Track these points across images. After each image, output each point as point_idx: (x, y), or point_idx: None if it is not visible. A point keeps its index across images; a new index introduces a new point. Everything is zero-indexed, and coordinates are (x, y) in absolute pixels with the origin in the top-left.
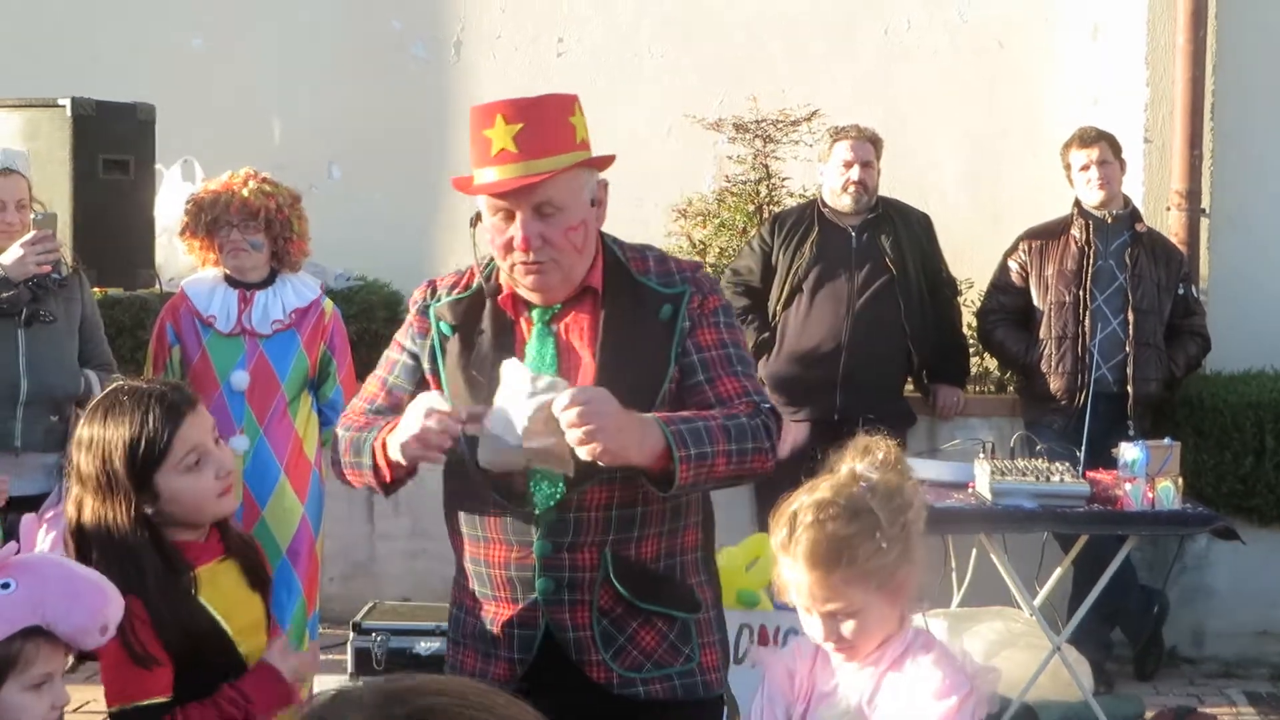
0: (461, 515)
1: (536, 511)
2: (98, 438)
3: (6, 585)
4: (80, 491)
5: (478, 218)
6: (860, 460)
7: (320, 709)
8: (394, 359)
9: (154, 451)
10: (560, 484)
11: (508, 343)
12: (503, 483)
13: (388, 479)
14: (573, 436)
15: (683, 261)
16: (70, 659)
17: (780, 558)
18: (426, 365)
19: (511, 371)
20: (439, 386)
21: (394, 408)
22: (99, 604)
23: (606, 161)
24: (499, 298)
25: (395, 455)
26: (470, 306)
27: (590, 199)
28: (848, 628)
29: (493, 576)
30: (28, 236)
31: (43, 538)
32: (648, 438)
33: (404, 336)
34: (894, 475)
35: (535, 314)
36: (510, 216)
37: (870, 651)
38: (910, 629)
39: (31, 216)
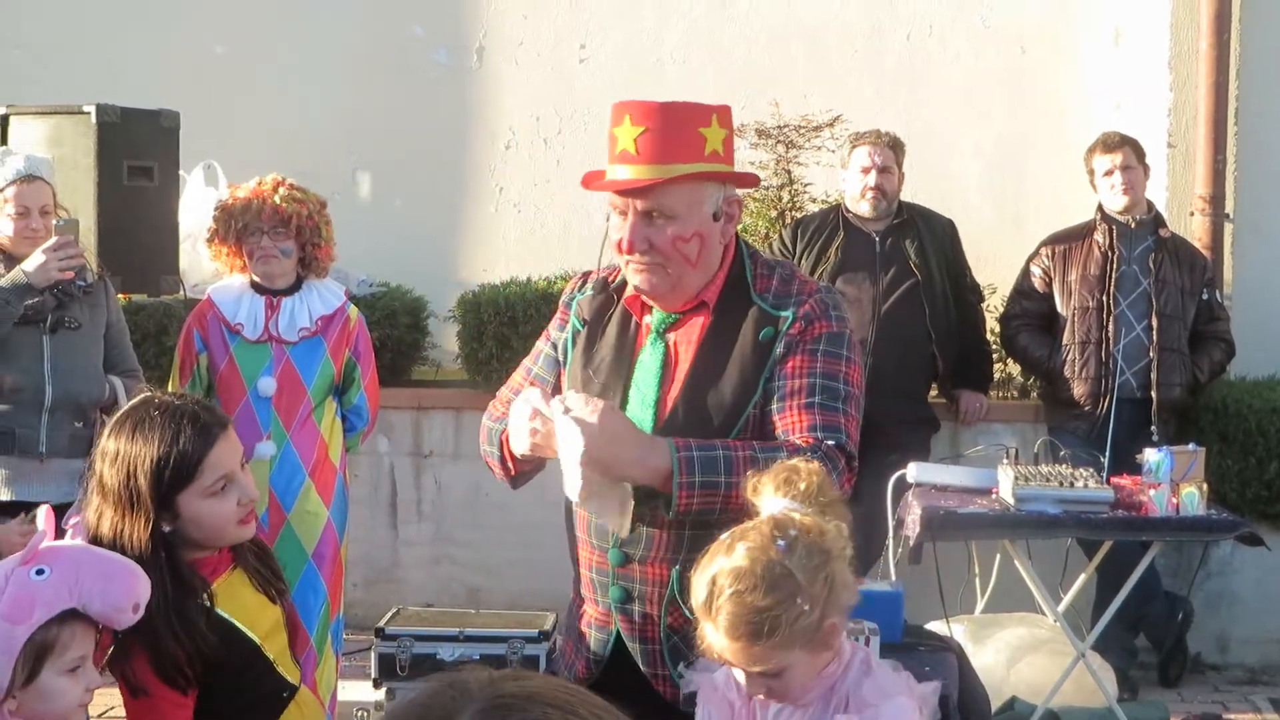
0: (569, 513)
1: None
2: (124, 452)
3: (41, 572)
4: (100, 503)
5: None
6: (781, 492)
7: (429, 698)
8: (539, 349)
9: (181, 473)
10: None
11: (627, 345)
12: None
13: (513, 471)
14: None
15: (809, 283)
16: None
17: (703, 621)
18: (560, 357)
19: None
20: (564, 379)
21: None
22: (130, 582)
23: (746, 179)
24: (626, 299)
25: (516, 449)
26: (605, 304)
27: (713, 212)
28: (776, 683)
29: (582, 576)
30: (50, 242)
31: (69, 541)
32: (651, 456)
33: (552, 326)
34: (816, 513)
35: (654, 320)
36: (625, 216)
37: (804, 692)
38: (847, 653)
39: (54, 223)
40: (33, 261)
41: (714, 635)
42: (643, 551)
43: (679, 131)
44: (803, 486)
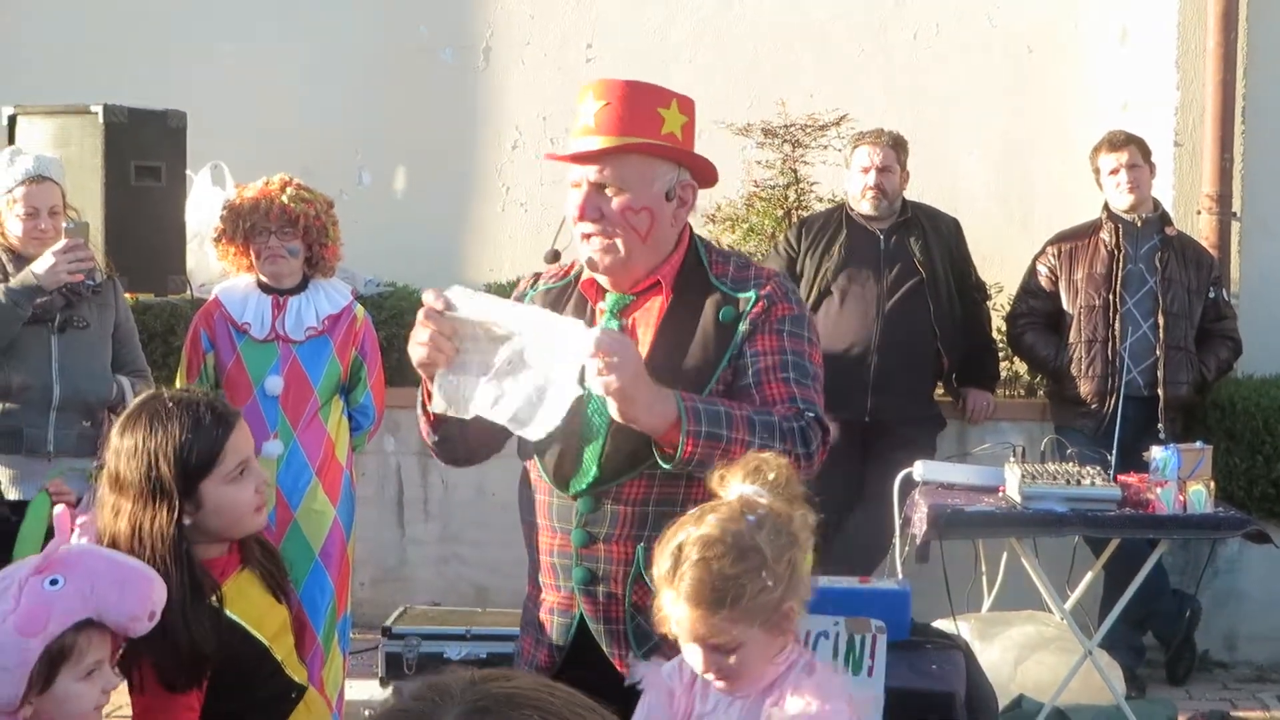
0: (524, 501)
1: (570, 493)
2: (142, 444)
3: (55, 582)
4: (118, 499)
5: None
6: (750, 481)
7: (410, 701)
8: None
9: (206, 458)
10: (596, 472)
11: None
12: (550, 462)
13: (431, 419)
14: (593, 366)
15: (764, 269)
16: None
17: (663, 590)
18: None
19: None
20: None
21: None
22: (146, 590)
23: (702, 165)
24: (581, 282)
25: (412, 356)
26: (560, 295)
27: (665, 191)
28: (730, 661)
29: (541, 562)
30: (59, 245)
31: (75, 541)
32: (660, 402)
33: None
34: (783, 502)
35: (608, 302)
36: (579, 188)
37: (752, 681)
38: (793, 652)
39: (64, 225)
40: (42, 263)
41: (674, 605)
42: (607, 530)
43: (637, 108)
44: (771, 477)
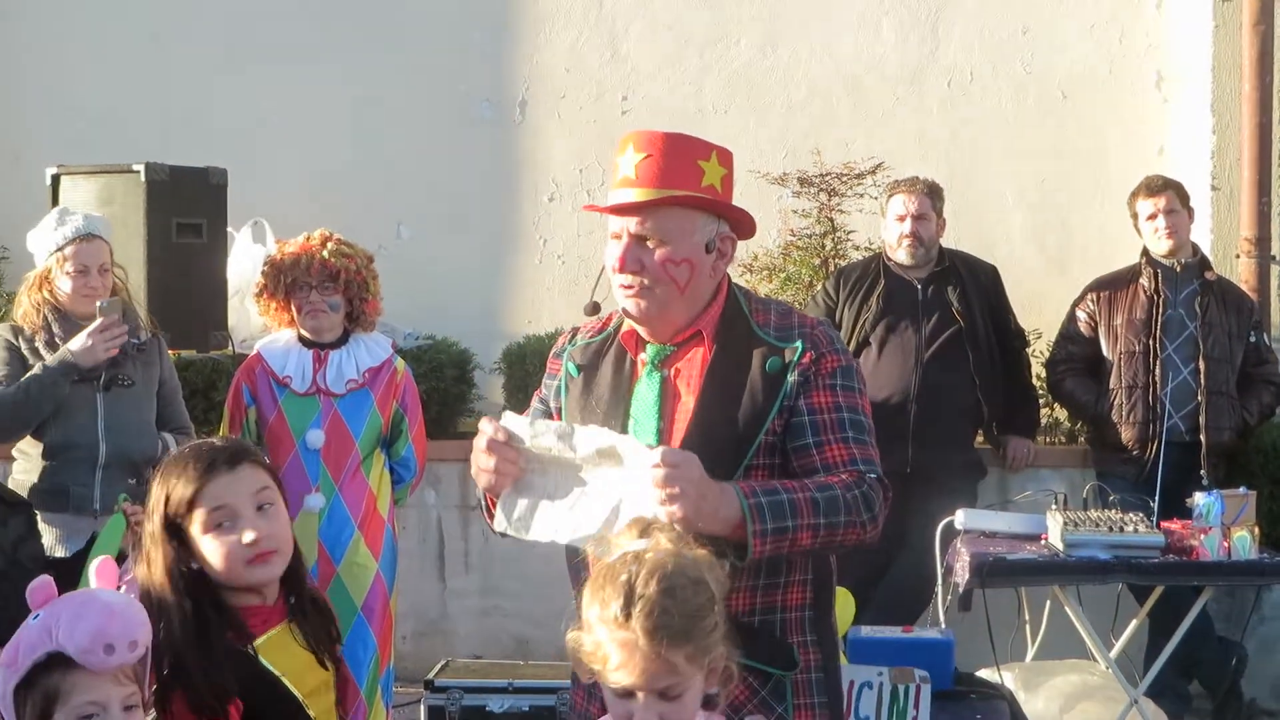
0: (572, 549)
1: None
2: (150, 495)
3: (36, 616)
4: (147, 548)
5: None
6: (642, 538)
7: None
8: (534, 407)
9: (180, 505)
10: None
11: (623, 380)
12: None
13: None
14: (656, 496)
15: (807, 317)
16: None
17: (607, 631)
18: (552, 403)
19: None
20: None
21: None
22: (99, 622)
23: (742, 217)
24: (621, 334)
25: (479, 490)
26: (600, 348)
27: (705, 243)
28: (672, 710)
29: None
30: (95, 324)
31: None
32: (725, 508)
33: (543, 384)
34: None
35: (648, 353)
36: (619, 239)
37: None
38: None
39: (97, 304)
40: (78, 342)
41: (619, 645)
42: None
43: (676, 160)
44: (663, 539)
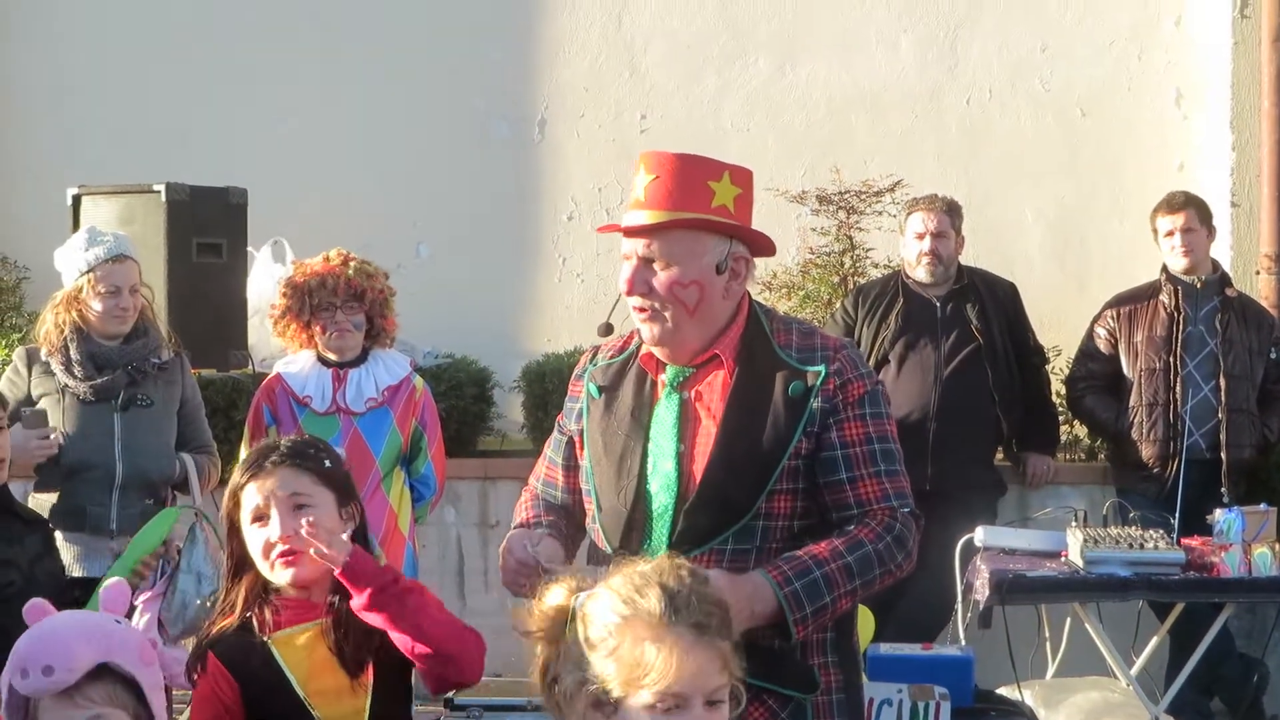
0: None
1: None
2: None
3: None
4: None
5: None
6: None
7: None
8: (554, 435)
9: (233, 497)
10: (666, 550)
11: (644, 402)
12: (615, 536)
13: None
14: None
15: (830, 338)
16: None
17: (647, 641)
18: (573, 427)
19: None
20: (582, 447)
21: (552, 482)
22: (31, 646)
23: (757, 238)
24: (641, 355)
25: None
26: (621, 369)
27: (715, 264)
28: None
29: None
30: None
31: (138, 619)
32: (759, 603)
33: (564, 409)
34: None
35: (668, 375)
36: (629, 260)
37: None
38: None
39: (22, 412)
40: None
41: (667, 653)
42: None
43: (686, 181)
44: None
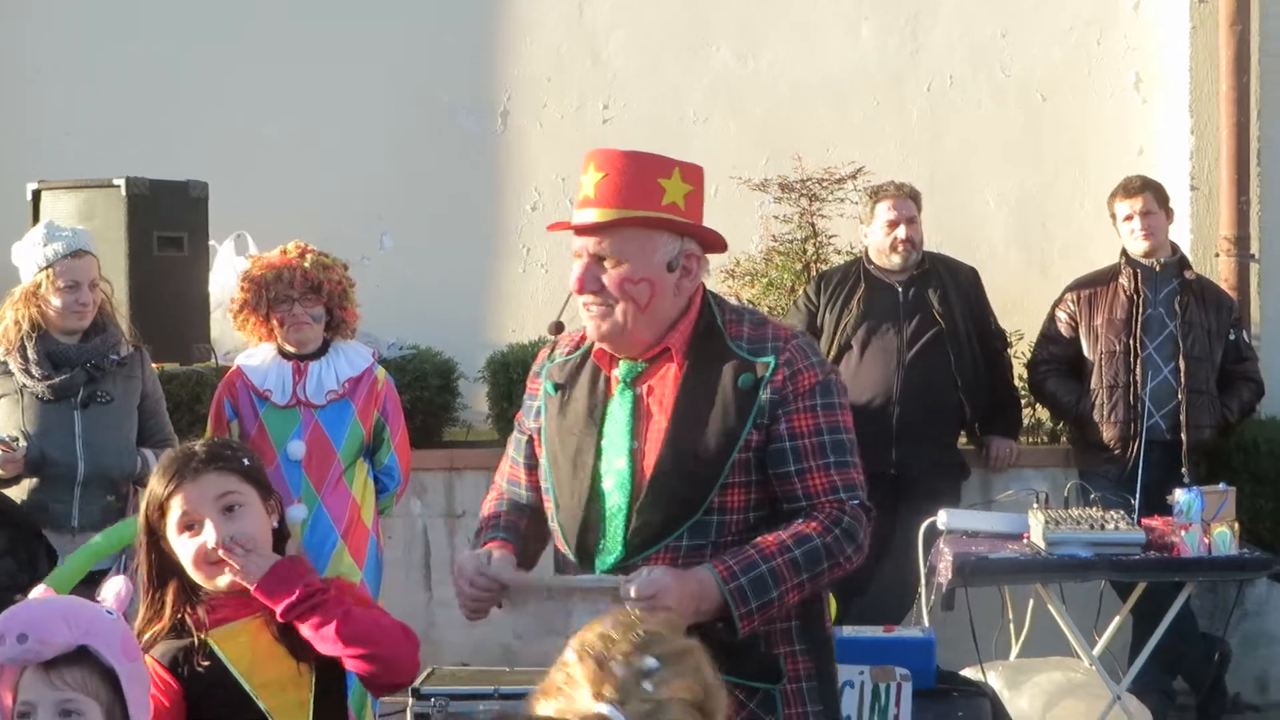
0: (558, 568)
1: (596, 571)
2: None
3: None
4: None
5: None
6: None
7: None
8: (515, 434)
9: (157, 504)
10: (621, 549)
11: (597, 398)
12: (573, 539)
13: None
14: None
15: (782, 328)
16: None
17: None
18: (531, 425)
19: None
20: (540, 445)
21: (516, 481)
22: (18, 612)
23: (706, 234)
24: (595, 353)
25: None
26: (577, 365)
27: (667, 262)
28: None
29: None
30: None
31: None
32: (705, 600)
33: (524, 406)
34: None
35: (621, 370)
36: (580, 258)
37: None
38: None
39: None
40: None
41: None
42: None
43: (636, 179)
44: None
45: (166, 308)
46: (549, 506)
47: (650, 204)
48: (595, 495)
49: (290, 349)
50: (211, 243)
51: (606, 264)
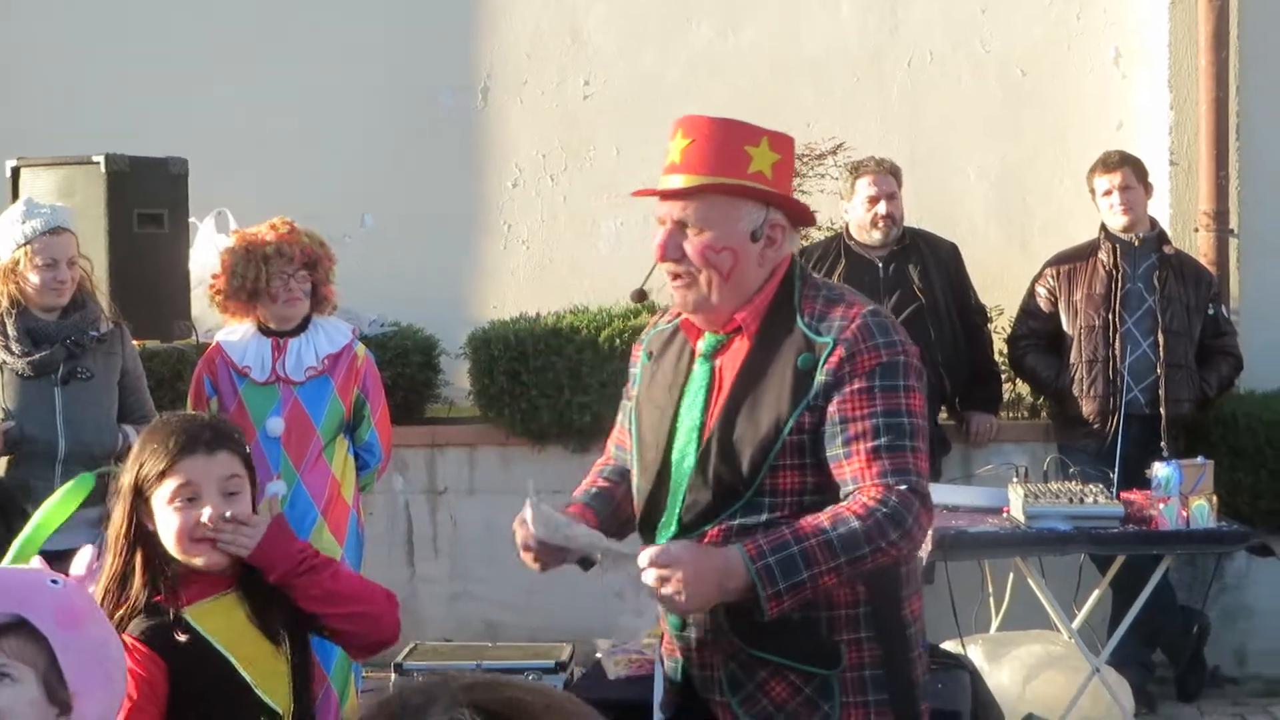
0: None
1: (657, 542)
2: (133, 451)
3: None
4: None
5: None
6: None
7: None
8: (623, 401)
9: (155, 473)
10: (675, 525)
11: (680, 370)
12: (641, 512)
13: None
14: (652, 593)
15: (855, 305)
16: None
17: None
18: (631, 393)
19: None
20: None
21: (621, 446)
22: None
23: (796, 207)
24: (682, 322)
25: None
26: (669, 336)
27: (751, 231)
28: None
29: (660, 608)
30: None
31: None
32: (731, 579)
33: (629, 374)
34: None
35: (704, 343)
36: (664, 225)
37: None
38: None
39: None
40: None
41: None
42: None
43: (722, 145)
44: None
45: (147, 284)
46: (632, 475)
47: (736, 171)
48: (666, 468)
49: (273, 325)
50: (192, 220)
51: (689, 231)
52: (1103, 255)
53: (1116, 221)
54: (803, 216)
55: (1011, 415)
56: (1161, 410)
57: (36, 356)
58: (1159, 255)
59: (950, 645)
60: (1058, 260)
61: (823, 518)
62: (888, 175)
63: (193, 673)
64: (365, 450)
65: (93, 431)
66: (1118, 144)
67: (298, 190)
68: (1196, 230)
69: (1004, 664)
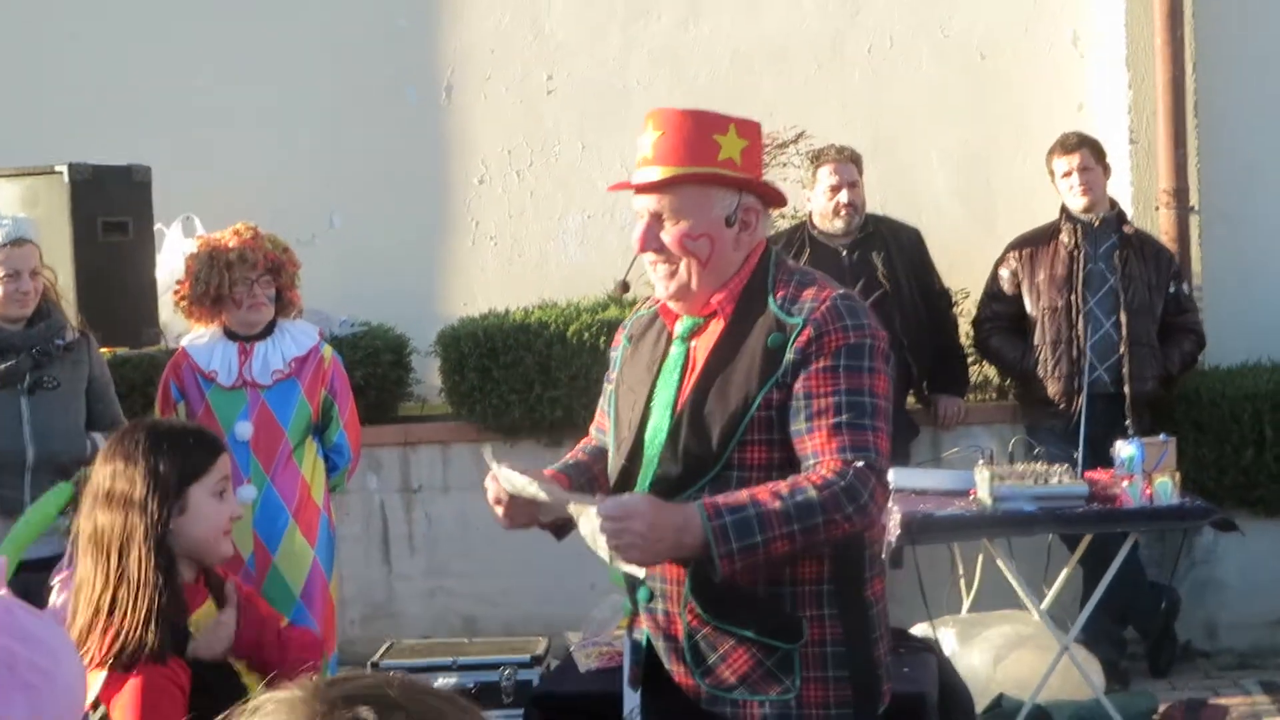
0: None
1: None
2: (142, 451)
3: None
4: (93, 509)
5: None
6: None
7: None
8: (605, 385)
9: (203, 463)
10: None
11: (657, 352)
12: (615, 482)
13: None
14: (606, 546)
15: (826, 289)
16: None
17: None
18: (612, 377)
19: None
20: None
21: (601, 429)
22: None
23: (766, 190)
24: (660, 307)
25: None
26: (650, 320)
27: (725, 217)
28: None
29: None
30: None
31: (55, 598)
32: (687, 534)
33: (611, 359)
34: None
35: (679, 326)
36: (642, 218)
37: None
38: None
39: None
40: None
41: None
42: None
43: (692, 136)
44: None
45: (114, 292)
46: (609, 455)
47: (705, 160)
48: (639, 445)
49: (239, 331)
50: (159, 226)
51: (666, 222)
52: (1064, 237)
53: (1076, 203)
54: (775, 199)
55: (979, 398)
56: (1126, 389)
57: (2, 367)
58: (1119, 235)
59: (921, 628)
60: (1019, 243)
61: (781, 485)
62: (849, 163)
63: (206, 681)
64: (334, 452)
65: (61, 440)
66: (1078, 124)
67: (265, 193)
68: (1158, 208)
69: (975, 645)
